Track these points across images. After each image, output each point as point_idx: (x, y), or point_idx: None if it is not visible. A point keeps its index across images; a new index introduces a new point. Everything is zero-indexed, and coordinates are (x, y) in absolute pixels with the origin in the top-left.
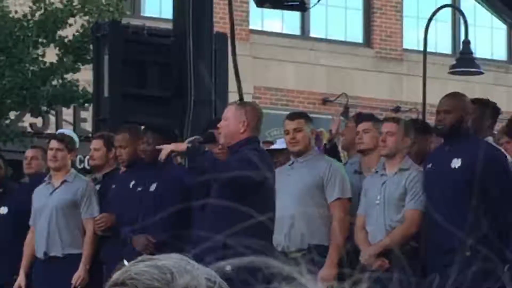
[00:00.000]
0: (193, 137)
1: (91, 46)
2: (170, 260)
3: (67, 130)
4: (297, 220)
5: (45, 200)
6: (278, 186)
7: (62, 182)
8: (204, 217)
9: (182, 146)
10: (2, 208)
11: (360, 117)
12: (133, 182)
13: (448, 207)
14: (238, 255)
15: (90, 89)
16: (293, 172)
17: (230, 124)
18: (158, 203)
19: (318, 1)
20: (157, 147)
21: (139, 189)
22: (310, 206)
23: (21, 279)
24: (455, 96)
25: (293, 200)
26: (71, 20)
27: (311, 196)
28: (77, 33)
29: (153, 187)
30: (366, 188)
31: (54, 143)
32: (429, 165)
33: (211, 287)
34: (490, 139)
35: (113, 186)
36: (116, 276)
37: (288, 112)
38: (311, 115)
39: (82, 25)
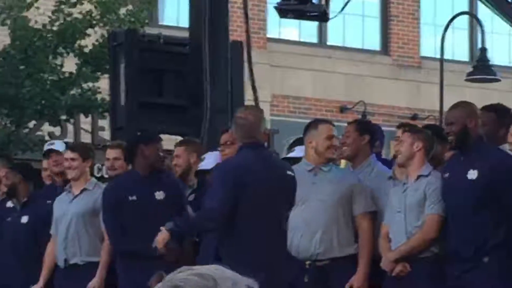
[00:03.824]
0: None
1: None
2: (210, 269)
3: (58, 141)
4: (327, 230)
5: (65, 208)
6: (302, 191)
7: (82, 190)
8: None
9: (165, 235)
10: (23, 217)
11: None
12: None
13: (465, 215)
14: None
15: (108, 98)
16: (318, 180)
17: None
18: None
19: (339, 12)
20: (155, 244)
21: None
22: (339, 217)
23: None
24: (457, 107)
25: (323, 209)
26: (90, 31)
27: (341, 206)
28: (97, 43)
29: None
30: (390, 198)
31: (68, 153)
32: (446, 175)
33: None
34: (506, 146)
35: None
36: (159, 285)
37: (305, 120)
38: None
39: (102, 35)
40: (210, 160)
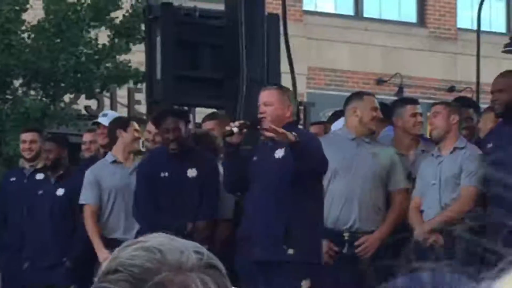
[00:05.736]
0: (240, 121)
1: (142, 26)
2: (156, 239)
3: (110, 112)
4: (365, 203)
5: (125, 180)
6: (344, 161)
7: None
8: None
9: (291, 136)
10: (59, 189)
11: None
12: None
13: None
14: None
15: (142, 69)
16: (360, 151)
17: (277, 108)
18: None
19: None
20: (271, 126)
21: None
22: (378, 191)
23: (105, 255)
24: (507, 75)
25: (363, 182)
26: (123, 1)
27: (380, 180)
28: (127, 14)
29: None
30: (422, 170)
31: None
32: (489, 145)
33: (200, 259)
34: None
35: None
36: (106, 264)
37: (342, 93)
38: None
39: (132, 6)
40: None
